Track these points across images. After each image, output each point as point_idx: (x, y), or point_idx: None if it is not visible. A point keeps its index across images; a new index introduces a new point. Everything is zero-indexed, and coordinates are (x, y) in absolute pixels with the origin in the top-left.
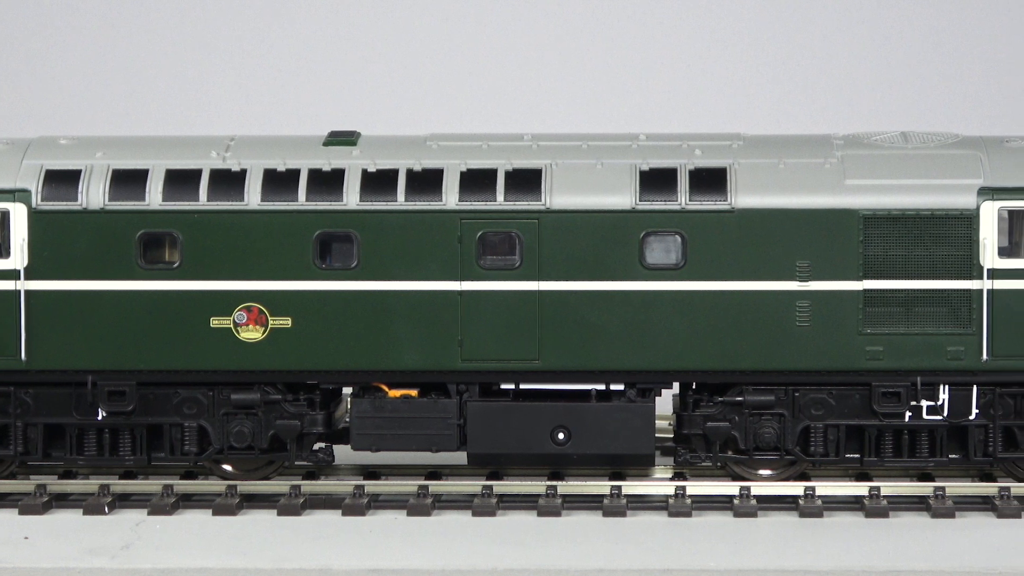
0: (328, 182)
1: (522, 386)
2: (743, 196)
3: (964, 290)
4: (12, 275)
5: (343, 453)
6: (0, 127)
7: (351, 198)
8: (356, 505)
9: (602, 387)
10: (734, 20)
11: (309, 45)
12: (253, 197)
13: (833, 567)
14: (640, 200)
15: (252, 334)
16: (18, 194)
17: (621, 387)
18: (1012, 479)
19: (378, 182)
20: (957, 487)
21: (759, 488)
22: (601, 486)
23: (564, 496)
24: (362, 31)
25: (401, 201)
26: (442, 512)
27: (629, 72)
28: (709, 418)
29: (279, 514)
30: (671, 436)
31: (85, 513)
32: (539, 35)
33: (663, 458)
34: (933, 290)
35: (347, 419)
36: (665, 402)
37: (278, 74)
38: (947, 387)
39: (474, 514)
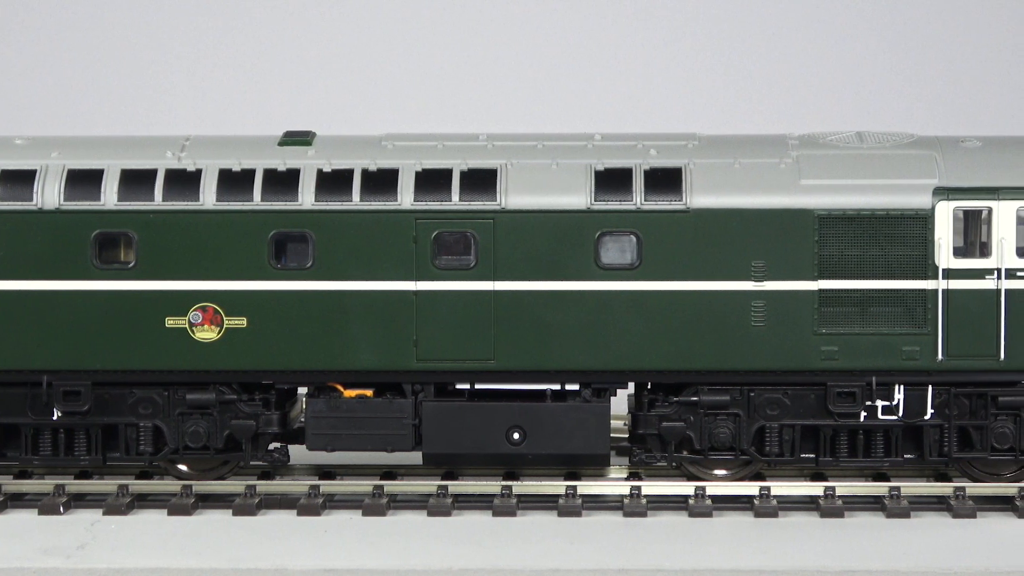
0: (283, 182)
1: (477, 386)
2: (698, 196)
3: (919, 290)
4: None
5: (298, 453)
6: None
7: (306, 198)
8: (311, 505)
9: (557, 387)
10: (689, 20)
11: (265, 45)
12: (208, 197)
13: (788, 567)
14: (595, 200)
15: (207, 334)
16: None
17: (576, 387)
18: (967, 479)
19: (333, 182)
20: (912, 487)
21: (714, 488)
22: (556, 486)
23: (519, 496)
24: (318, 31)
25: (356, 201)
26: (397, 512)
27: (584, 72)
28: (664, 418)
29: (234, 514)
30: (626, 436)
31: (40, 513)
32: (494, 35)
33: (618, 458)
34: (888, 290)
35: (302, 419)
36: (620, 402)
37: (234, 74)
38: (902, 387)
39: (429, 514)
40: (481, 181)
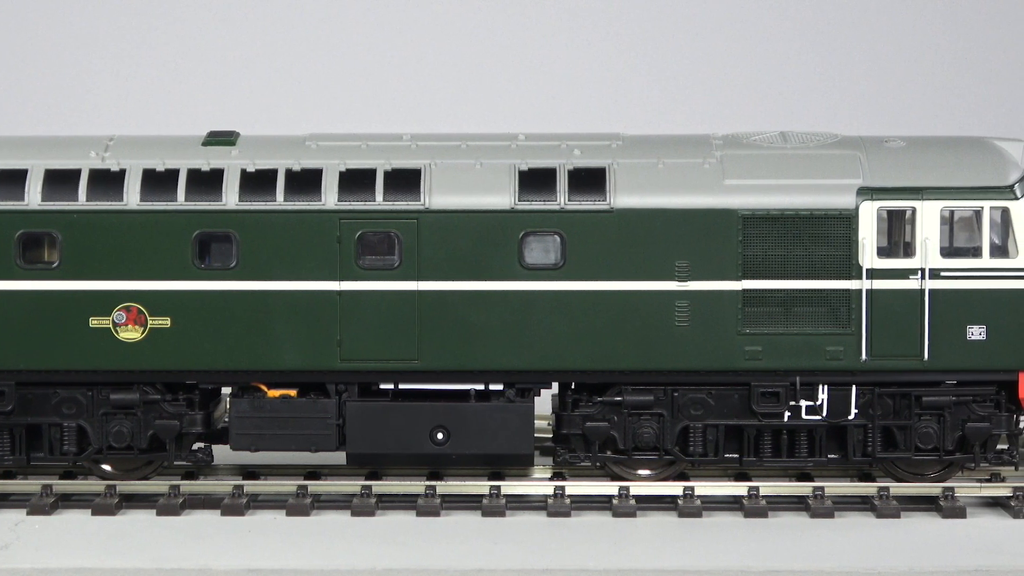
0: (207, 182)
1: (401, 386)
2: (622, 196)
3: (843, 290)
4: None
5: (222, 453)
6: None
7: (230, 198)
8: (235, 505)
9: (481, 387)
10: (612, 20)
11: (188, 44)
12: (132, 197)
13: (712, 567)
14: (519, 200)
15: (131, 334)
16: None
17: (500, 387)
18: (891, 479)
19: (257, 182)
20: (836, 487)
21: (638, 488)
22: (480, 486)
23: (443, 496)
24: (240, 31)
25: (280, 201)
26: (321, 512)
27: (508, 71)
28: (588, 418)
29: (158, 514)
30: (550, 436)
31: None
32: (417, 34)
33: (542, 458)
34: (812, 290)
35: (226, 419)
36: (544, 402)
37: (157, 74)
38: (826, 387)
39: (353, 514)
40: (405, 181)
